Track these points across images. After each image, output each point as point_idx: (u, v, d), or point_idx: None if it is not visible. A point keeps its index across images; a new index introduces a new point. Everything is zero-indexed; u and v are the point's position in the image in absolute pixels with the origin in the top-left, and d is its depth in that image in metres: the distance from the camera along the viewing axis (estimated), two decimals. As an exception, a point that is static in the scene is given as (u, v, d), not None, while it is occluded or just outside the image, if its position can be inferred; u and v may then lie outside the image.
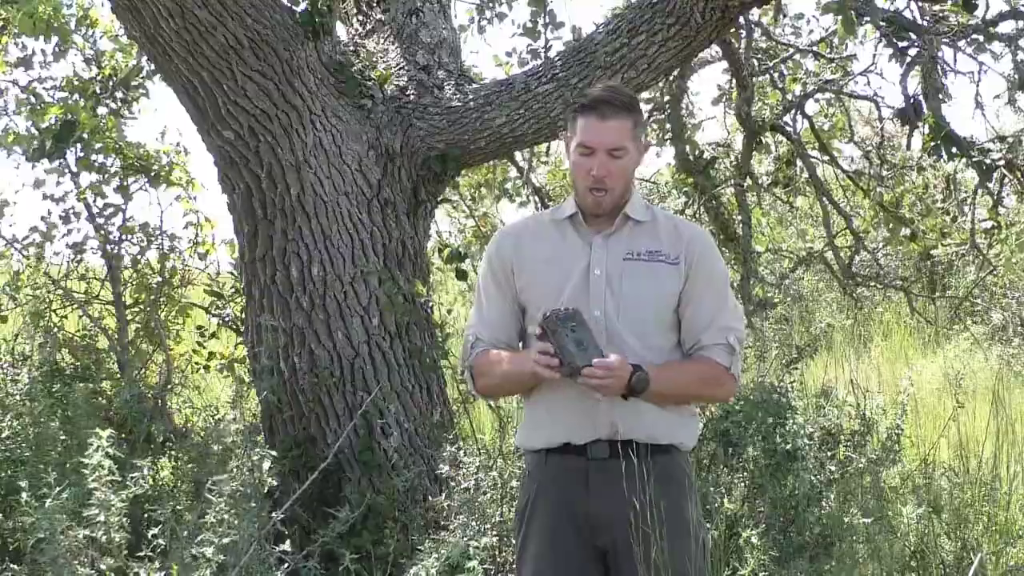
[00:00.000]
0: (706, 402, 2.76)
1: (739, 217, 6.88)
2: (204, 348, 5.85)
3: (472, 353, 2.74)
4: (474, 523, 3.75)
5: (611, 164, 2.61)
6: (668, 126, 6.89)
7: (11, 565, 3.56)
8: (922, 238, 7.15)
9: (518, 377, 2.65)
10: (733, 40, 6.40)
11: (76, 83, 5.80)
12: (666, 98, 6.79)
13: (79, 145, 5.67)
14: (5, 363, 4.86)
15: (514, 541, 2.79)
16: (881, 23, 4.66)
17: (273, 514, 3.50)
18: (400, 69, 4.99)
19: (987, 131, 6.15)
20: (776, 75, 7.05)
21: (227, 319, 5.71)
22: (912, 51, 4.70)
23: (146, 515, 3.76)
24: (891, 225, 7.06)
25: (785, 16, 6.99)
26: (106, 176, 5.81)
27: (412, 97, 4.86)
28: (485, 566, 3.66)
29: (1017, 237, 7.69)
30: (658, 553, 2.53)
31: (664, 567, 2.54)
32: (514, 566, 3.62)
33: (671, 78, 6.52)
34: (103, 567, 3.24)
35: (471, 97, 4.81)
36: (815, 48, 6.95)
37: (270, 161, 4.47)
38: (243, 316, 5.04)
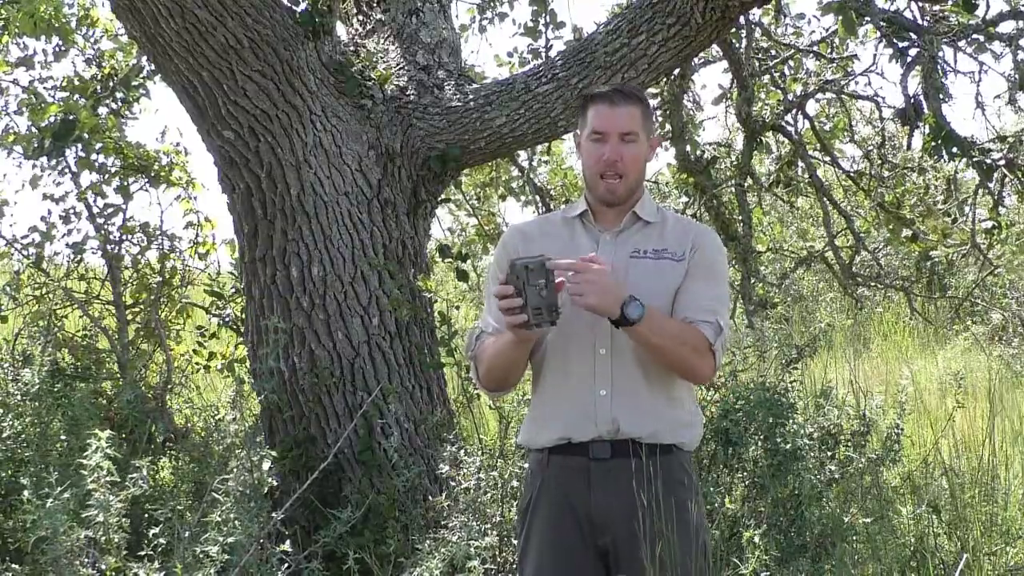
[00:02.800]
0: (686, 371, 2.69)
1: (739, 217, 6.88)
2: (204, 348, 5.85)
3: (474, 345, 2.75)
4: (475, 523, 3.75)
5: (623, 149, 2.63)
6: (668, 126, 6.90)
7: (12, 565, 3.56)
8: (923, 239, 7.15)
9: (500, 350, 2.62)
10: (733, 40, 6.40)
11: (76, 83, 5.80)
12: (667, 92, 6.79)
13: (79, 145, 5.67)
14: (5, 363, 4.85)
15: (517, 539, 2.80)
16: (881, 23, 4.66)
17: (273, 514, 3.50)
18: (400, 69, 4.99)
19: (987, 131, 6.15)
20: (777, 75, 7.05)
21: (227, 319, 5.71)
22: (912, 51, 4.70)
23: (147, 515, 3.77)
24: (891, 226, 7.06)
25: (786, 16, 6.99)
26: (106, 176, 5.81)
27: (412, 97, 4.86)
28: (486, 566, 3.66)
29: (1017, 237, 7.69)
30: (659, 552, 2.53)
31: (665, 567, 2.54)
32: (515, 566, 3.62)
33: (672, 78, 6.52)
34: (103, 567, 3.24)
35: (471, 97, 4.81)
36: (816, 48, 6.95)
37: (270, 161, 4.47)
38: (243, 316, 5.05)
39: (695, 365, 2.65)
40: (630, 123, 2.63)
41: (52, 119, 5.58)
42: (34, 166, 5.80)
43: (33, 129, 5.71)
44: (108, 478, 3.26)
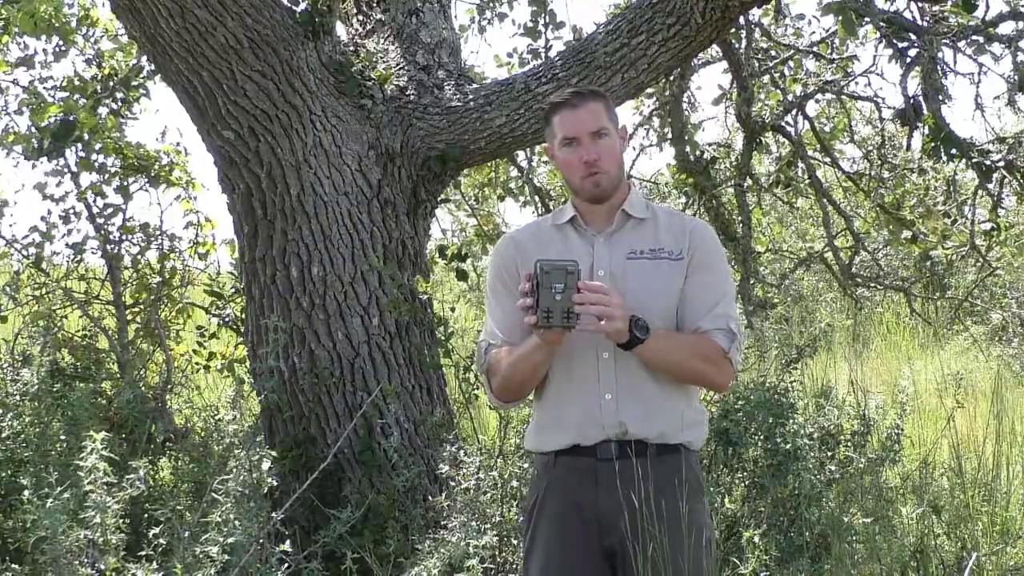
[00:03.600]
0: (703, 382, 2.71)
1: (739, 217, 6.88)
2: (204, 348, 5.85)
3: (485, 359, 2.73)
4: (474, 523, 3.75)
5: (598, 146, 2.63)
6: (667, 129, 6.90)
7: (12, 565, 3.56)
8: (923, 240, 7.15)
9: (523, 354, 2.60)
10: (733, 40, 6.40)
11: (76, 83, 5.81)
12: (667, 93, 6.79)
13: (79, 145, 5.67)
14: (5, 363, 4.85)
15: (521, 539, 2.80)
16: (881, 24, 4.66)
17: (273, 514, 3.50)
18: (400, 69, 4.99)
19: (987, 132, 6.15)
20: (776, 75, 7.05)
21: (227, 319, 5.71)
22: (912, 52, 4.70)
23: (146, 515, 3.77)
24: (891, 227, 7.06)
25: (786, 16, 6.99)
26: (106, 176, 5.82)
27: (412, 97, 4.86)
28: (485, 566, 3.66)
29: (1016, 239, 7.70)
30: (664, 553, 2.53)
31: (669, 567, 2.54)
32: (515, 566, 3.62)
33: (671, 78, 6.52)
34: (103, 567, 3.24)
35: (471, 97, 4.82)
36: (816, 49, 6.95)
37: (270, 161, 4.48)
38: (243, 316, 5.05)
39: (710, 375, 2.66)
40: (597, 120, 2.63)
41: (52, 119, 5.58)
42: (34, 167, 5.80)
43: (33, 129, 5.72)
44: (105, 479, 3.26)
